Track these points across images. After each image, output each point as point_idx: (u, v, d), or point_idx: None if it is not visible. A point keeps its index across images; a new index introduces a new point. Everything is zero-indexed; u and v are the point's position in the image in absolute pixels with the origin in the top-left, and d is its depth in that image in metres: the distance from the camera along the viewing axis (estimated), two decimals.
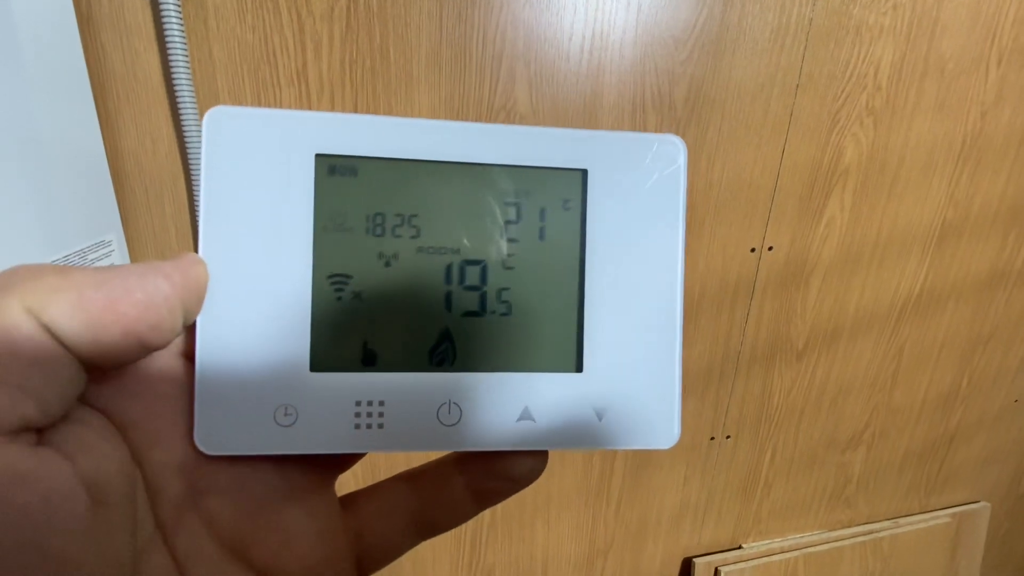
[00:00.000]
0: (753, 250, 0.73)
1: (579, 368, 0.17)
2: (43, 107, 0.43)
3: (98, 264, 0.49)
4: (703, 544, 0.91)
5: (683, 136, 0.67)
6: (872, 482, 0.94)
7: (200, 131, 0.52)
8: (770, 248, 0.73)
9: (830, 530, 0.95)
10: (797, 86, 0.66)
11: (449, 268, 0.17)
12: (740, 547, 0.92)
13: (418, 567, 0.80)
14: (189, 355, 0.16)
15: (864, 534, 0.95)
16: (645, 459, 0.81)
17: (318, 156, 0.16)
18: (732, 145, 0.66)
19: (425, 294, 0.17)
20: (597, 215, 0.17)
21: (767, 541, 0.93)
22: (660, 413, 0.17)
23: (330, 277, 0.16)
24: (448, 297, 0.17)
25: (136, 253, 0.56)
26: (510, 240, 0.17)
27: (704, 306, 0.74)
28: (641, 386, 0.17)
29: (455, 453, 0.18)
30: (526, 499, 0.80)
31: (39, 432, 0.12)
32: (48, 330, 0.12)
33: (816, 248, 0.75)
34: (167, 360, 0.15)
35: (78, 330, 0.12)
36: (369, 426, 0.16)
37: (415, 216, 0.16)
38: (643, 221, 0.17)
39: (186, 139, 0.51)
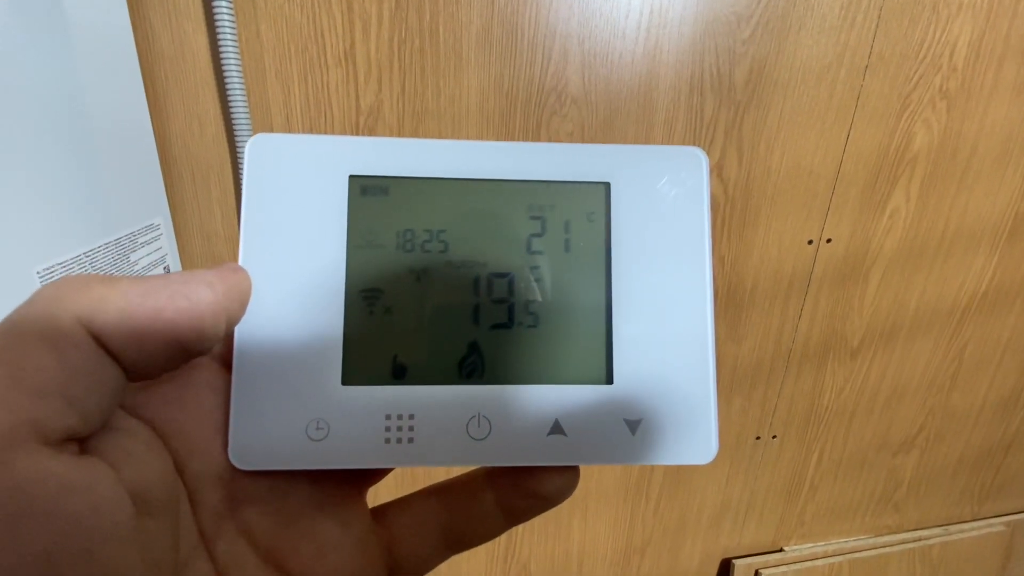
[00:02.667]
0: (810, 242, 0.69)
1: (609, 380, 0.17)
2: (93, 90, 0.42)
3: (147, 247, 0.49)
4: (743, 545, 0.89)
5: (742, 120, 0.64)
6: (923, 487, 0.90)
7: (248, 115, 0.51)
8: (828, 240, 0.69)
9: (877, 535, 0.92)
10: (866, 67, 0.61)
11: (477, 281, 0.17)
12: (782, 550, 0.89)
13: (453, 560, 0.80)
14: (226, 362, 0.16)
15: (913, 541, 0.91)
16: None
17: (351, 177, 0.17)
18: (793, 130, 0.63)
19: (454, 307, 0.17)
20: (622, 227, 0.17)
21: (810, 545, 0.90)
22: (696, 427, 0.17)
23: (362, 292, 0.16)
24: (476, 310, 0.17)
25: (183, 237, 0.56)
26: (536, 253, 0.17)
27: (756, 300, 0.71)
28: (675, 398, 0.17)
29: (485, 467, 0.17)
30: None
31: (81, 441, 0.12)
32: (96, 339, 0.12)
33: (878, 241, 0.71)
34: (206, 370, 0.16)
35: (124, 338, 0.12)
36: (399, 440, 0.16)
37: (443, 232, 0.17)
38: (669, 232, 0.17)
39: (233, 122, 0.50)
